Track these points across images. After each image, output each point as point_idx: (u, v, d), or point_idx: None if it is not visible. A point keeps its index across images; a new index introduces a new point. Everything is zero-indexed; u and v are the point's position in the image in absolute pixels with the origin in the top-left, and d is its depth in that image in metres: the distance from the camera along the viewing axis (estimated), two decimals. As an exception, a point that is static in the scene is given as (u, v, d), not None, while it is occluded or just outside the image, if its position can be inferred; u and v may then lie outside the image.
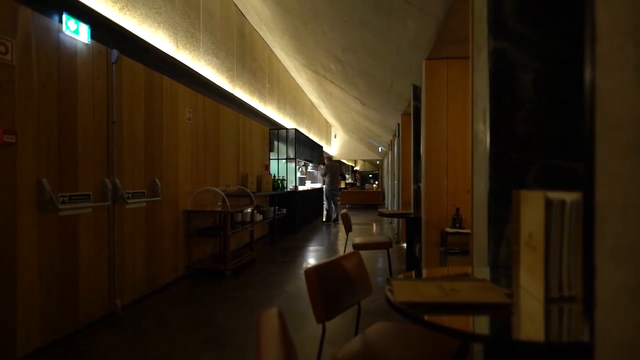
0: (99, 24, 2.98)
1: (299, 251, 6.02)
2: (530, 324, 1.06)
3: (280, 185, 7.17)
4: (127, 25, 3.36)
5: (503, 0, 1.53)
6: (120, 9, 3.29)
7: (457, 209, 3.30)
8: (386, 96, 5.84)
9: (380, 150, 13.66)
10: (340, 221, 9.83)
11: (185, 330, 2.86)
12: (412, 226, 4.12)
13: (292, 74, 9.50)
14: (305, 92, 11.33)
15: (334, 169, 9.39)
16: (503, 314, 1.06)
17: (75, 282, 2.73)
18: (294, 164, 8.36)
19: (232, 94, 5.64)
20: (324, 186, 9.38)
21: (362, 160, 24.55)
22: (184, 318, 3.10)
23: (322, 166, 9.89)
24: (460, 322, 1.08)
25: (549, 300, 1.09)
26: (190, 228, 4.31)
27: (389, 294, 1.17)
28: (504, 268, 1.50)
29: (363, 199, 14.73)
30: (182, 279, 4.16)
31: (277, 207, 6.60)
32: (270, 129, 7.67)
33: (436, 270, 1.58)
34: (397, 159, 6.59)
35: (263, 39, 7.33)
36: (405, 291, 1.15)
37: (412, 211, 4.37)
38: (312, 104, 12.55)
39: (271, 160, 7.73)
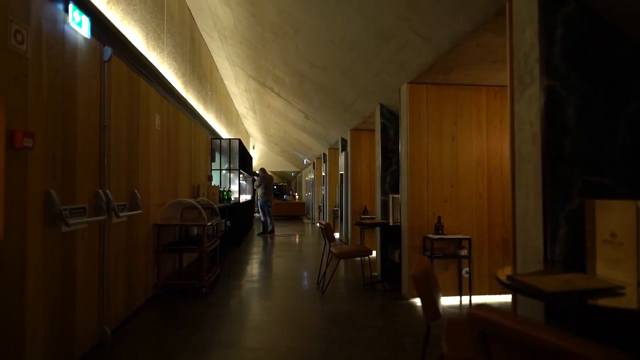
0: (93, 17, 2.68)
1: (254, 264, 5.91)
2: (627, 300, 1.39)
3: (226, 196, 6.94)
4: (113, 20, 3.05)
5: (553, 46, 1.91)
6: (107, 2, 2.98)
7: (439, 217, 3.71)
8: (341, 112, 6.17)
9: (305, 162, 13.99)
10: (275, 233, 9.82)
11: (193, 353, 2.66)
12: (386, 234, 4.44)
13: (226, 82, 9.28)
14: (234, 102, 11.11)
15: (267, 180, 9.37)
16: (619, 295, 1.37)
17: (73, 309, 2.37)
18: (231, 175, 8.14)
19: (186, 100, 5.36)
20: (258, 198, 9.28)
21: (272, 172, 24.67)
22: (182, 341, 2.86)
23: (255, 177, 9.79)
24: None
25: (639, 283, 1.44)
26: (159, 244, 3.97)
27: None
28: (559, 263, 1.85)
29: (287, 210, 14.85)
30: (154, 299, 3.79)
31: (226, 220, 6.37)
32: (212, 139, 7.38)
33: (507, 270, 1.85)
34: (347, 171, 6.94)
35: (207, 45, 7.09)
36: (546, 284, 1.38)
37: (381, 221, 4.70)
38: (238, 114, 12.33)
39: (213, 171, 7.42)
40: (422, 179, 3.82)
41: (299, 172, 20.12)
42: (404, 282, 3.94)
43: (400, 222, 4.15)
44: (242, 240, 7.99)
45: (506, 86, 3.90)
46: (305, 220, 14.11)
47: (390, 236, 4.38)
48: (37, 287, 2.01)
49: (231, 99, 10.67)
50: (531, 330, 0.94)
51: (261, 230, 9.51)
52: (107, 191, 2.76)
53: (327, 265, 4.41)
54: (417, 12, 2.80)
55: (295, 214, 15.12)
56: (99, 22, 2.77)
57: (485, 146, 3.88)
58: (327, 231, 4.17)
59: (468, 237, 3.64)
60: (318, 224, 11.95)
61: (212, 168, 7.40)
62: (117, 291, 3.02)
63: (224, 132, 8.81)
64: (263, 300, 3.98)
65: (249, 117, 12.48)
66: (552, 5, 1.93)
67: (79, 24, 2.41)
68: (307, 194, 16.04)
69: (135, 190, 3.34)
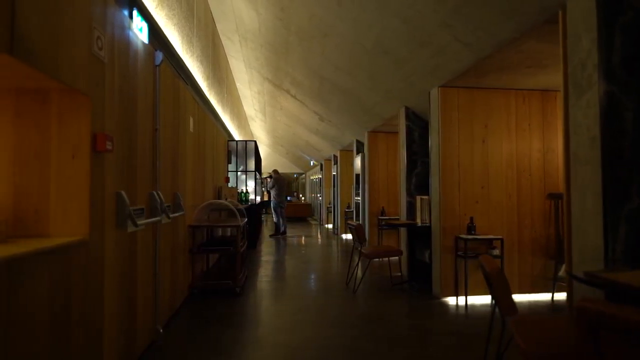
0: (148, 22, 2.74)
1: (275, 265, 5.97)
2: None
3: (245, 198, 6.99)
4: (160, 24, 3.11)
5: (611, 53, 2.00)
6: (156, 7, 3.04)
7: (471, 218, 3.79)
8: (360, 114, 6.24)
9: (312, 164, 14.06)
10: (287, 234, 9.87)
11: (247, 352, 2.72)
12: (414, 235, 4.52)
13: (238, 85, 9.34)
14: (243, 104, 11.17)
15: (281, 181, 9.44)
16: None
17: (135, 308, 2.42)
18: (246, 176, 8.20)
19: (210, 103, 5.42)
20: (272, 199, 9.35)
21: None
22: (232, 341, 2.90)
23: (269, 179, 9.85)
24: None
25: None
26: (194, 244, 4.02)
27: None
28: (620, 261, 1.94)
29: (293, 212, 14.86)
30: (190, 300, 3.84)
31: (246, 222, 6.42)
32: (228, 140, 7.44)
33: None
34: (364, 173, 7.01)
35: (224, 48, 7.15)
36: (632, 280, 1.47)
37: (408, 221, 4.78)
38: (246, 116, 12.38)
39: (229, 173, 7.47)
40: (454, 180, 3.90)
41: (302, 174, 20.18)
42: (435, 281, 4.02)
43: (428, 223, 4.23)
44: (256, 242, 8.04)
45: (534, 90, 4.03)
46: (313, 222, 14.17)
47: (419, 237, 4.46)
48: (111, 287, 2.07)
49: (241, 101, 10.73)
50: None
51: (273, 232, 9.56)
52: (159, 193, 2.82)
53: (357, 266, 4.47)
54: (461, 18, 2.88)
55: (302, 216, 15.17)
56: (151, 27, 2.83)
57: (515, 149, 3.98)
58: (358, 232, 4.24)
59: (500, 237, 3.73)
60: (328, 226, 12.00)
61: (228, 170, 7.45)
62: (164, 291, 3.08)
63: (235, 134, 8.86)
64: (296, 300, 4.03)
65: (256, 119, 12.54)
66: (610, 14, 2.01)
67: (140, 30, 2.47)
68: (312, 195, 16.11)
69: (178, 192, 3.40)
